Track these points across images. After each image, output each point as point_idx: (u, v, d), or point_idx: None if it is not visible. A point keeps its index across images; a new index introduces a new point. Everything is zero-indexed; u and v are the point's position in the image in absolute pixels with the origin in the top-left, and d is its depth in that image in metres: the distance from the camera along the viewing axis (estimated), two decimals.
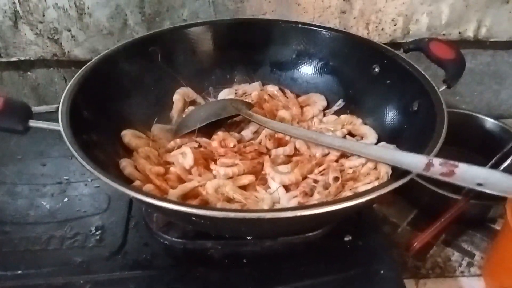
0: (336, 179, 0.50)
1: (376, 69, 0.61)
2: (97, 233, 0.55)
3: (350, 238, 0.54)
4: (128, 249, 0.53)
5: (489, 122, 0.79)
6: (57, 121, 0.47)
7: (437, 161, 0.40)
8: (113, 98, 0.57)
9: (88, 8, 0.75)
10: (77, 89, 0.51)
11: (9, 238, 0.54)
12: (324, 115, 0.65)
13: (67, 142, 0.44)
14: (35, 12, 0.75)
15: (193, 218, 0.39)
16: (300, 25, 0.67)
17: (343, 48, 0.64)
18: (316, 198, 0.48)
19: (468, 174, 0.39)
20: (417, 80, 0.55)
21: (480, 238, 0.73)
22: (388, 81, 0.59)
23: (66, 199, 0.59)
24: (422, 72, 0.55)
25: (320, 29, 0.66)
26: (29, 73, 0.86)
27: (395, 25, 0.82)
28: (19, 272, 0.50)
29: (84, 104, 0.51)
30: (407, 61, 0.57)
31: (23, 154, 0.66)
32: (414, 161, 0.42)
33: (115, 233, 0.55)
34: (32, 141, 0.68)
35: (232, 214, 0.37)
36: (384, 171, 0.49)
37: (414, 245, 0.63)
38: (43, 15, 0.76)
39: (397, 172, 0.46)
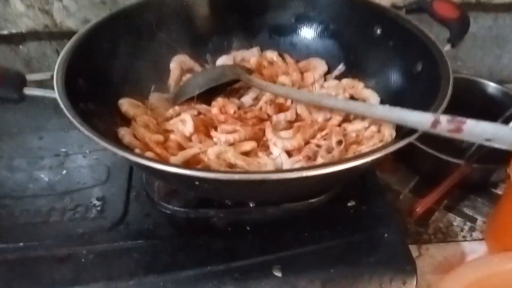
0: (339, 142, 0.49)
1: (378, 31, 0.59)
2: (97, 204, 0.54)
3: (354, 203, 0.54)
4: (130, 219, 0.53)
5: (491, 87, 0.78)
6: (52, 89, 0.46)
7: (444, 118, 0.39)
8: (108, 66, 0.55)
9: None
10: (71, 56, 0.49)
11: (9, 211, 0.53)
12: (325, 80, 0.63)
13: (64, 109, 0.43)
14: None
15: (196, 183, 0.38)
16: None
17: (344, 11, 0.62)
18: (319, 162, 0.47)
19: (476, 129, 0.38)
20: (420, 40, 0.53)
21: (482, 203, 0.73)
22: (390, 43, 0.57)
23: (64, 172, 0.58)
24: (425, 32, 0.54)
25: None
26: (21, 46, 0.84)
27: None
28: (21, 244, 0.50)
29: (79, 72, 0.49)
30: (409, 21, 0.56)
31: (20, 128, 0.65)
32: (420, 119, 0.40)
33: (116, 204, 0.54)
34: (28, 115, 0.66)
35: (236, 176, 0.36)
36: (388, 133, 0.48)
37: (417, 210, 0.63)
38: None
39: (402, 133, 0.45)
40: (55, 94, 0.44)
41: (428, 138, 0.70)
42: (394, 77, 0.56)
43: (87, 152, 0.61)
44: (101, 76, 0.53)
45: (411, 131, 0.42)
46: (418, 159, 0.74)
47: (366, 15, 0.61)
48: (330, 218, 0.52)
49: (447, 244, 0.68)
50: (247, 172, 0.42)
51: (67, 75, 0.47)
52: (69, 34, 0.80)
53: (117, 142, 0.50)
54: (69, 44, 0.51)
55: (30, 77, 0.48)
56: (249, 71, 0.57)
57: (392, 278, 0.48)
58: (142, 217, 0.53)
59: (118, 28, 0.57)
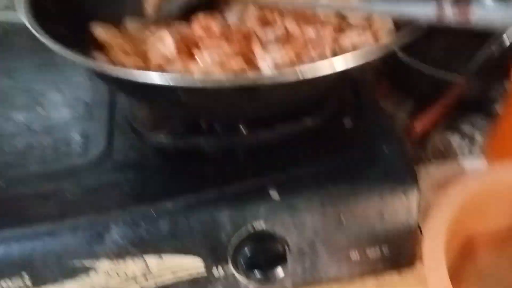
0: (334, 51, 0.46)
1: None
2: (79, 140, 0.51)
3: (350, 121, 0.51)
4: (115, 153, 0.50)
5: None
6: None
7: (448, 6, 0.35)
8: None
9: None
10: None
11: None
12: None
13: (30, 27, 0.38)
14: None
15: (181, 96, 0.35)
16: None
17: None
18: None
19: (484, 13, 0.35)
20: None
21: (480, 119, 0.71)
22: None
23: (41, 110, 0.55)
24: None
25: None
26: None
27: None
28: (1, 183, 0.47)
29: None
30: None
31: None
32: (422, 10, 0.37)
33: (99, 139, 0.51)
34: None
35: (226, 82, 0.33)
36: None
37: (415, 128, 0.61)
38: None
39: None
40: (21, 14, 0.40)
41: (423, 56, 0.67)
42: None
43: (64, 89, 0.57)
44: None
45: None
46: (412, 80, 0.72)
47: None
48: (327, 137, 0.50)
49: (446, 163, 0.67)
50: (235, 76, 0.38)
51: None
52: None
53: None
54: None
55: None
56: None
57: (393, 190, 0.46)
58: (128, 149, 0.50)
59: None
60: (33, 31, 0.39)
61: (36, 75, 0.59)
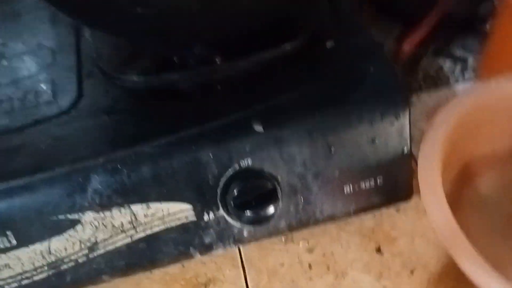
0: None
1: None
2: (48, 89, 0.48)
3: (332, 42, 0.48)
4: (85, 99, 0.47)
5: None
6: None
7: None
8: None
9: None
10: None
11: None
12: None
13: None
14: None
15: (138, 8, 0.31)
16: None
17: None
18: None
19: None
20: None
21: (471, 40, 0.68)
22: None
23: (5, 62, 0.51)
24: None
25: None
26: None
27: None
28: None
29: None
30: None
31: None
32: None
33: (68, 86, 0.48)
34: None
35: None
36: None
37: (404, 49, 0.57)
38: None
39: None
40: None
41: None
42: None
43: (26, 38, 0.53)
44: None
45: None
46: (397, 3, 0.68)
47: None
48: (309, 62, 0.47)
49: (438, 89, 0.64)
50: None
51: None
52: None
53: None
54: None
55: None
56: None
57: (383, 113, 0.44)
58: (99, 94, 0.47)
59: None
60: None
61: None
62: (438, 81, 0.65)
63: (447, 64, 0.66)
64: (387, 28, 0.69)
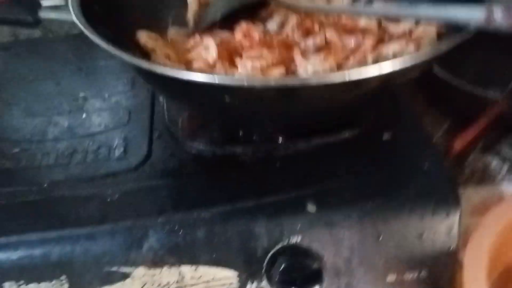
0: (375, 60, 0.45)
1: None
2: (120, 146, 0.52)
3: (389, 135, 0.50)
4: (154, 159, 0.51)
5: None
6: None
7: (498, 9, 0.34)
8: None
9: None
10: None
11: (30, 155, 0.52)
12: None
13: (82, 27, 0.40)
14: None
15: (226, 96, 0.35)
16: None
17: None
18: None
19: None
20: None
21: None
22: None
23: (84, 115, 0.56)
24: None
25: None
26: None
27: None
28: (44, 186, 0.48)
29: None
30: None
31: (35, 75, 0.63)
32: (470, 13, 0.36)
33: (139, 145, 0.52)
34: (43, 62, 0.64)
35: (272, 82, 0.33)
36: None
37: (454, 148, 0.59)
38: None
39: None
40: (71, 16, 0.41)
41: (461, 73, 0.66)
42: None
43: (106, 95, 0.59)
44: (117, 6, 0.50)
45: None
46: (449, 99, 0.70)
47: None
48: (365, 151, 0.49)
49: (484, 186, 0.65)
50: (285, 78, 0.38)
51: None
52: None
53: None
54: None
55: (44, 2, 0.45)
56: None
57: (434, 210, 0.45)
58: (167, 156, 0.51)
59: None
60: (87, 32, 0.40)
61: (80, 81, 0.61)
62: (484, 178, 0.66)
63: (494, 162, 0.67)
64: (436, 121, 0.72)
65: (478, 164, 0.67)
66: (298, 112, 0.43)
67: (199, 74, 0.34)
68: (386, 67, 0.34)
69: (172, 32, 0.55)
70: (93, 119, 0.56)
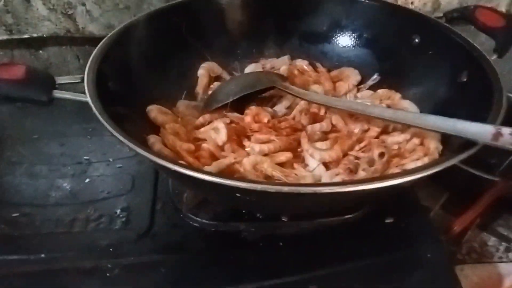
0: (381, 155, 0.46)
1: (416, 40, 0.57)
2: (122, 215, 0.52)
3: (392, 220, 0.51)
4: (156, 231, 0.50)
5: None
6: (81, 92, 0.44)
7: (507, 130, 0.36)
8: (136, 70, 0.53)
9: None
10: (102, 58, 0.47)
11: (31, 220, 0.51)
12: (358, 90, 0.61)
13: (97, 113, 0.40)
14: None
15: (238, 194, 0.36)
16: None
17: (379, 18, 0.60)
18: (361, 175, 0.45)
19: None
20: (464, 49, 0.51)
21: None
22: (430, 52, 0.55)
23: (87, 180, 0.56)
24: (469, 40, 0.51)
25: None
26: (41, 51, 0.83)
27: None
28: (43, 256, 0.47)
29: (109, 75, 0.47)
30: (451, 29, 0.53)
31: (40, 134, 0.63)
32: (480, 131, 0.38)
33: (141, 214, 0.52)
34: (49, 120, 0.64)
35: (286, 188, 0.33)
36: (434, 146, 0.46)
37: (454, 229, 0.60)
38: None
39: (452, 147, 0.42)
40: (86, 97, 0.42)
41: None
42: (435, 87, 0.54)
43: (111, 160, 0.58)
44: (130, 81, 0.51)
45: (466, 146, 0.39)
46: (448, 174, 0.71)
47: (403, 23, 0.58)
48: (368, 235, 0.50)
49: (482, 265, 0.65)
50: (296, 184, 0.39)
51: (98, 78, 0.45)
52: (91, 40, 0.79)
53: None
54: (99, 46, 0.49)
55: (59, 79, 0.45)
56: (283, 78, 0.54)
57: None
58: (169, 229, 0.50)
59: (147, 32, 0.55)
60: (98, 115, 0.41)
61: (85, 143, 0.61)
62: (482, 256, 0.66)
63: (491, 241, 0.68)
64: (434, 193, 0.72)
65: (475, 242, 0.68)
66: (305, 207, 0.43)
67: (214, 177, 0.34)
68: (395, 180, 0.35)
69: (182, 104, 0.56)
70: (96, 184, 0.55)
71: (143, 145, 0.48)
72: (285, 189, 0.33)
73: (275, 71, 0.62)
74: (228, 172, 0.45)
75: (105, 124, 0.39)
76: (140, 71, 0.53)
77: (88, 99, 0.42)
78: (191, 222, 0.50)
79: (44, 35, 0.78)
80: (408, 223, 0.51)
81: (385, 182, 0.34)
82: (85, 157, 0.59)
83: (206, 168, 0.45)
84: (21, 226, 0.50)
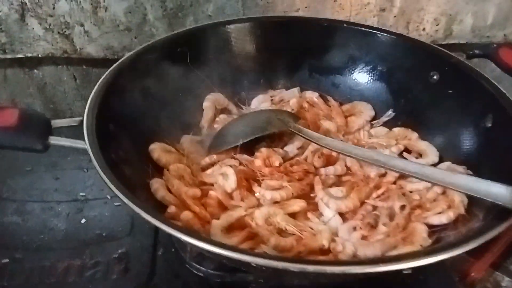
0: (402, 207, 0.43)
1: (435, 77, 0.54)
2: (120, 262, 0.48)
3: (410, 271, 0.47)
4: (157, 281, 0.47)
5: None
6: (79, 136, 0.40)
7: None
8: (139, 106, 0.50)
9: (104, 1, 0.68)
10: (102, 98, 0.44)
11: (21, 267, 0.47)
12: (372, 126, 0.58)
13: (96, 165, 0.37)
14: (44, 5, 0.68)
15: (254, 265, 0.32)
16: (345, 25, 0.60)
17: (395, 52, 0.57)
18: (382, 231, 0.41)
19: None
20: (487, 91, 0.48)
21: None
22: (450, 91, 0.52)
23: (83, 220, 0.52)
24: (494, 82, 0.49)
25: (368, 30, 0.58)
26: (35, 71, 0.79)
27: (437, 25, 0.75)
28: None
29: (109, 116, 0.44)
30: (473, 69, 0.50)
31: (33, 166, 0.59)
32: (504, 193, 0.35)
33: (141, 262, 0.48)
34: None
35: (310, 268, 0.30)
36: (459, 200, 0.43)
37: (472, 275, 0.57)
38: (54, 8, 0.68)
39: (481, 204, 0.39)
40: (85, 144, 0.39)
41: None
42: (457, 130, 0.50)
43: (109, 197, 0.55)
44: (131, 118, 0.48)
45: (503, 212, 0.35)
46: None
47: (421, 58, 0.55)
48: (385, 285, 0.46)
49: None
50: (320, 262, 0.36)
51: (98, 121, 0.41)
52: (88, 60, 0.75)
53: (149, 195, 0.44)
54: (97, 87, 0.45)
55: (56, 122, 0.42)
56: (297, 118, 0.51)
57: None
58: (171, 278, 0.47)
59: (150, 64, 0.52)
60: (97, 166, 0.37)
61: (81, 177, 0.57)
62: None
63: (504, 281, 0.65)
64: None
65: (489, 282, 0.65)
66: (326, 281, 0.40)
67: (233, 253, 0.31)
68: (436, 257, 0.32)
69: (186, 140, 0.52)
70: (92, 225, 0.52)
71: (146, 190, 0.45)
72: (310, 269, 0.30)
73: (284, 104, 0.59)
74: (238, 225, 0.42)
75: (105, 179, 0.36)
76: (143, 107, 0.50)
77: (87, 147, 0.38)
78: (195, 272, 0.47)
79: (40, 55, 0.74)
80: (426, 275, 0.48)
81: (424, 259, 0.31)
82: (81, 194, 0.55)
83: (215, 222, 0.41)
84: (9, 275, 0.46)
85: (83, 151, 0.57)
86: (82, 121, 0.41)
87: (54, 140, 0.40)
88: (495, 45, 0.51)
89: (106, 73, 0.47)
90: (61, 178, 0.57)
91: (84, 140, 0.40)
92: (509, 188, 0.36)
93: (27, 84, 0.80)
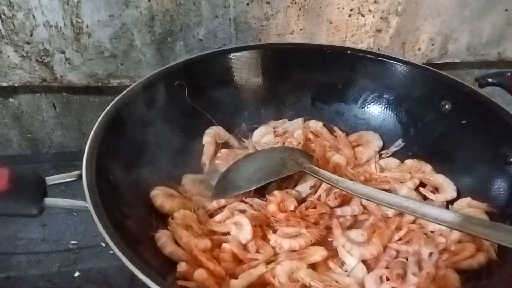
0: (431, 254, 0.40)
1: (447, 106, 0.52)
2: None
3: None
4: None
5: None
6: (76, 191, 0.36)
7: None
8: (137, 152, 0.45)
9: (87, 27, 0.63)
10: (99, 149, 0.39)
11: None
12: (380, 156, 0.55)
13: (103, 231, 0.33)
14: (21, 32, 0.62)
15: None
16: (348, 52, 0.57)
17: (402, 79, 0.55)
18: (413, 282, 0.38)
19: None
20: (503, 121, 0.46)
21: None
22: (463, 121, 0.50)
23: (77, 274, 0.47)
24: (509, 112, 0.47)
25: (373, 56, 0.56)
26: (11, 99, 0.73)
27: (432, 44, 0.74)
28: None
29: (108, 167, 0.39)
30: (488, 99, 0.49)
31: None
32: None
33: None
34: None
35: None
36: (488, 242, 0.40)
37: None
38: (31, 35, 0.63)
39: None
40: (85, 203, 0.34)
41: None
42: (472, 162, 0.49)
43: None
44: (132, 166, 0.43)
45: None
46: None
47: (431, 87, 0.53)
48: None
49: None
50: None
51: (98, 174, 0.37)
52: (70, 88, 0.70)
53: (156, 250, 0.40)
54: (93, 136, 0.40)
55: (50, 180, 0.37)
56: (311, 158, 0.48)
57: None
58: None
59: (143, 103, 0.48)
60: (106, 236, 0.33)
61: (70, 221, 0.52)
62: None
63: None
64: None
65: None
66: None
67: None
68: None
69: (187, 180, 0.48)
70: (88, 279, 0.47)
71: (152, 244, 0.40)
72: None
73: (289, 135, 0.55)
74: (259, 283, 0.38)
75: (114, 248, 0.32)
76: (140, 150, 0.46)
77: (89, 207, 0.34)
78: None
79: (16, 84, 0.68)
80: None
81: None
82: (73, 242, 0.50)
83: (234, 282, 0.37)
84: None
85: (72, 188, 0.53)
86: (79, 175, 0.36)
87: (50, 201, 0.35)
88: (509, 73, 0.50)
89: (99, 119, 0.43)
90: (48, 224, 0.52)
91: (82, 196, 0.35)
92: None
93: (1, 113, 0.74)
